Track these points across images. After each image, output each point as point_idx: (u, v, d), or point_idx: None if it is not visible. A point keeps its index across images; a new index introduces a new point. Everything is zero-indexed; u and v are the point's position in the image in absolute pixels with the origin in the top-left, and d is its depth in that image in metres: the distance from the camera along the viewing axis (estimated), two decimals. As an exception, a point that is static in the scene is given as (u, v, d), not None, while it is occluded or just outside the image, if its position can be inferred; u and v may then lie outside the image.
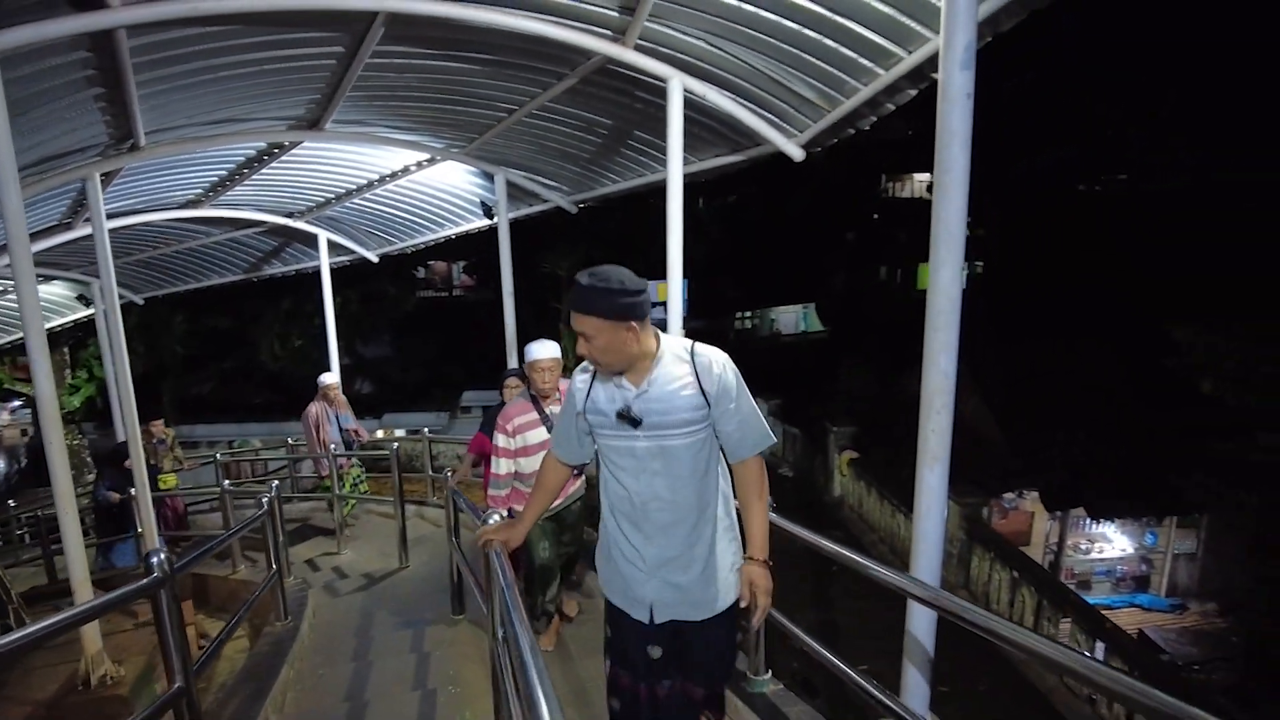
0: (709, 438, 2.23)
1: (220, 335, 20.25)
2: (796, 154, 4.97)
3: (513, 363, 7.98)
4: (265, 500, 4.71)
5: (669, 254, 4.86)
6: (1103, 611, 10.31)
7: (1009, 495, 14.67)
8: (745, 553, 2.35)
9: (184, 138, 5.77)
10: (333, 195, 8.29)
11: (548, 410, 4.13)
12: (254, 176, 7.24)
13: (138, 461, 5.70)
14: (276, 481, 5.81)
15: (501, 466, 4.10)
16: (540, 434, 4.09)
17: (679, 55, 4.51)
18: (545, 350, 4.11)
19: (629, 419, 2.19)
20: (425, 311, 28.27)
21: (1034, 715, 7.06)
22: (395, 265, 11.80)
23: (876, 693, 2.56)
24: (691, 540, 2.26)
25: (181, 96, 5.01)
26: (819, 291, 35.75)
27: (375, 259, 10.41)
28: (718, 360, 2.19)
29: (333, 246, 9.91)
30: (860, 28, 3.75)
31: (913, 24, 3.55)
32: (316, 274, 10.41)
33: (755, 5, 3.91)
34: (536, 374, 4.09)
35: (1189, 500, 9.97)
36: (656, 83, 4.68)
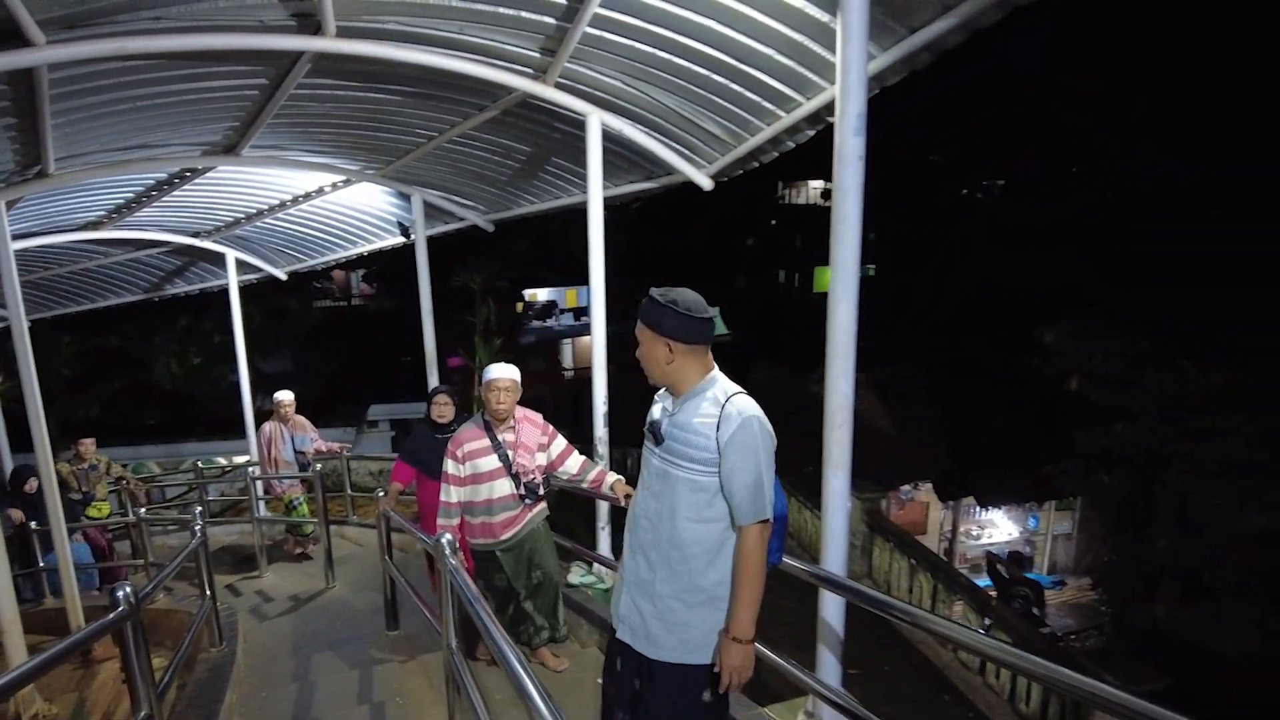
0: (715, 488, 2.18)
1: (111, 355, 19.14)
2: (706, 184, 5.36)
3: (434, 380, 8.09)
4: (197, 528, 4.72)
5: (591, 272, 5.17)
6: (994, 592, 11.23)
7: (905, 487, 15.62)
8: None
9: (95, 164, 5.68)
10: (243, 215, 8.19)
11: (500, 437, 3.93)
12: (163, 199, 7.11)
13: (50, 488, 5.53)
14: (200, 508, 5.78)
15: (451, 495, 3.91)
16: (491, 462, 3.89)
17: (597, 93, 4.82)
18: (504, 371, 3.93)
19: (654, 432, 2.29)
20: (325, 323, 27.58)
21: (932, 688, 7.74)
22: (294, 278, 11.52)
23: (798, 671, 2.93)
24: (664, 575, 2.25)
25: (97, 125, 4.97)
26: (723, 296, 36.81)
27: (284, 277, 10.28)
28: (742, 415, 2.14)
29: (240, 265, 9.72)
30: (764, 75, 4.15)
31: (810, 74, 3.98)
32: (220, 292, 10.21)
33: (668, 51, 4.26)
34: (492, 394, 3.87)
35: (1061, 486, 10.98)
36: (575, 116, 4.98)
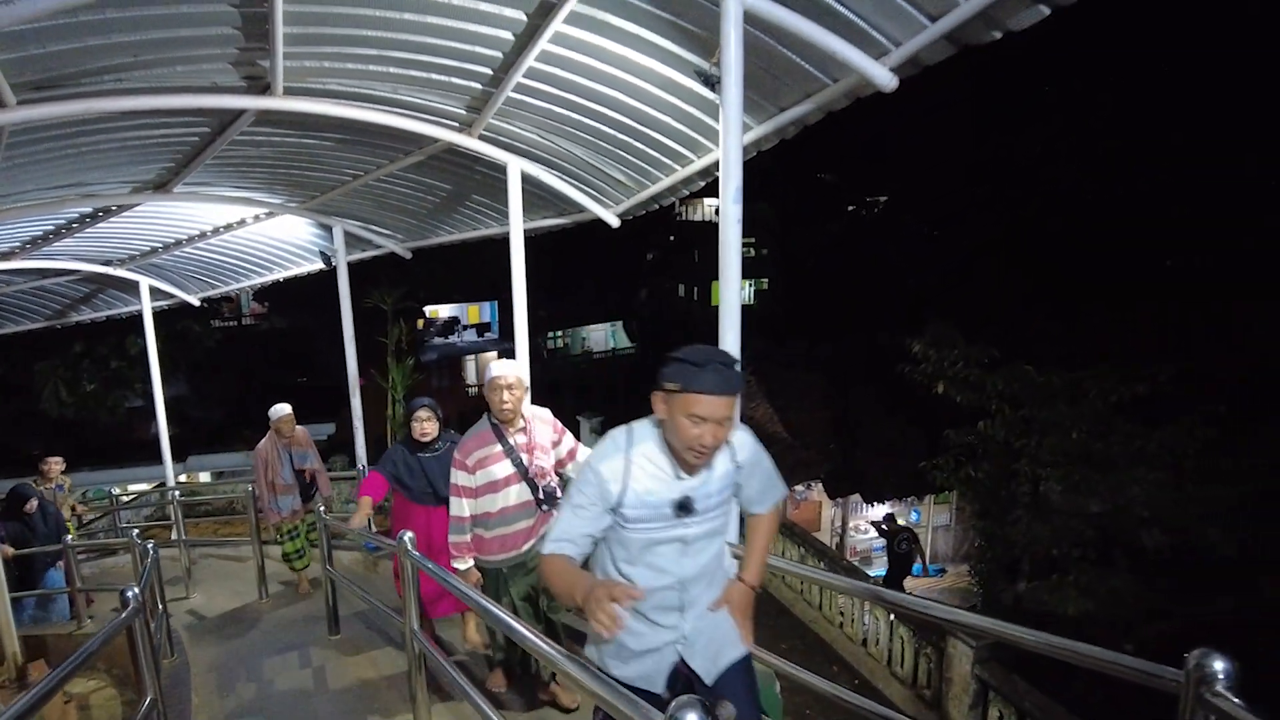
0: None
1: (-10, 383, 18.14)
2: (614, 221, 6.10)
3: (356, 402, 8.48)
4: (150, 546, 5.05)
5: (515, 299, 5.76)
6: (881, 582, 12.39)
7: (799, 487, 16.78)
8: (738, 573, 2.35)
9: (28, 203, 5.89)
10: (161, 245, 8.35)
11: (512, 440, 3.64)
12: (83, 231, 7.26)
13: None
14: (137, 530, 6.04)
15: (464, 509, 3.65)
16: (505, 467, 3.62)
17: (517, 145, 5.47)
18: (506, 366, 3.64)
19: (690, 510, 2.10)
20: (219, 344, 26.85)
21: (823, 660, 8.69)
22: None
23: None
24: (717, 587, 2.28)
25: (39, 168, 5.25)
26: (625, 310, 37.78)
27: (197, 303, 10.38)
28: (746, 432, 2.24)
29: (153, 292, 9.77)
30: (662, 137, 4.91)
31: (700, 138, 4.76)
32: (127, 319, 10.21)
33: (580, 113, 4.95)
34: (495, 394, 3.58)
35: (933, 480, 12.23)
36: (497, 163, 5.60)
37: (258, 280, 9.69)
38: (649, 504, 2.08)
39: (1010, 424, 10.89)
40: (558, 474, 3.84)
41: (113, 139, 5.06)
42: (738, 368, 2.02)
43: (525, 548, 3.72)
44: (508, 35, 4.16)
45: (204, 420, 22.56)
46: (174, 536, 8.12)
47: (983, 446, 11.34)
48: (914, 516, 19.33)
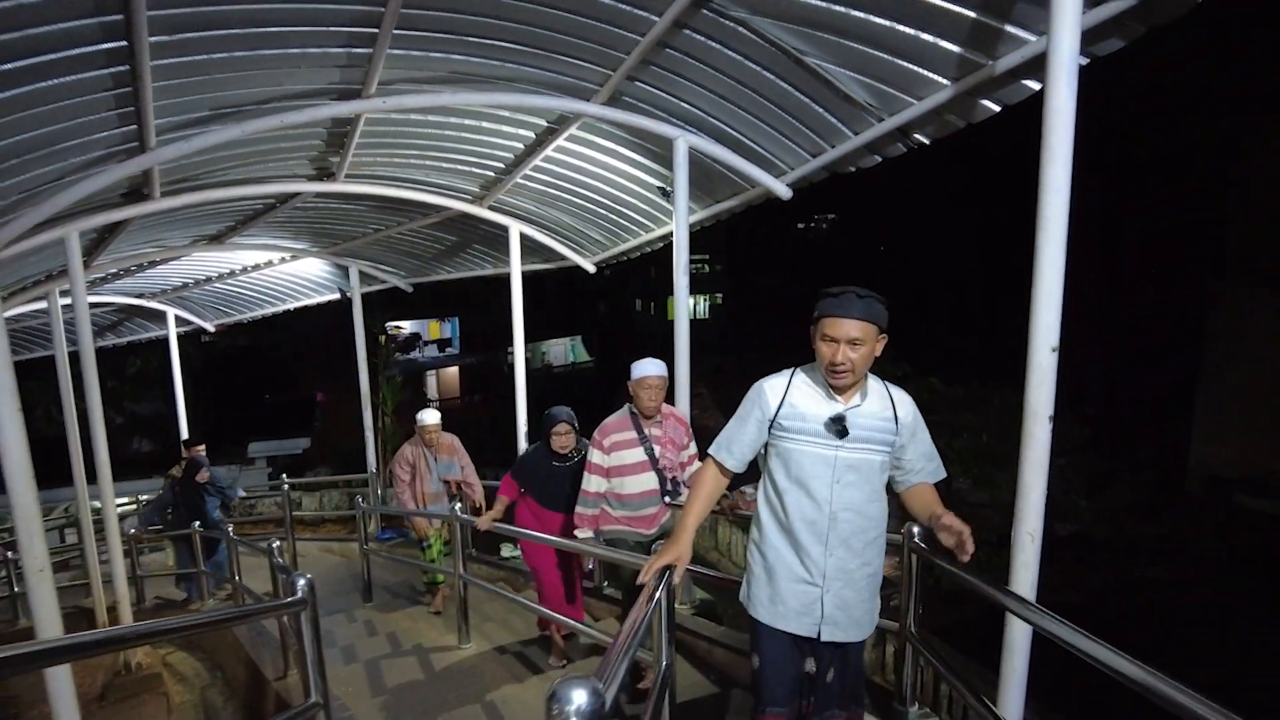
0: (890, 463, 2.36)
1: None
2: (590, 268, 7.70)
3: (368, 417, 9.85)
4: (230, 530, 6.45)
5: (514, 330, 7.26)
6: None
7: (749, 488, 18.38)
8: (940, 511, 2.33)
9: (118, 255, 7.23)
10: (192, 281, 9.65)
11: (647, 430, 3.89)
12: (139, 274, 8.58)
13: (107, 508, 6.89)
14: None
15: (593, 484, 3.86)
16: (637, 454, 3.86)
17: (517, 213, 7.02)
18: (656, 367, 3.86)
19: (839, 429, 2.25)
20: (186, 362, 27.48)
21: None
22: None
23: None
24: (867, 555, 2.34)
25: (141, 233, 6.64)
26: (585, 324, 39.13)
27: (212, 329, 11.62)
28: (908, 396, 2.40)
29: (176, 319, 10.99)
30: (630, 211, 6.51)
31: (659, 215, 6.37)
32: (148, 343, 11.42)
33: (569, 194, 6.52)
34: (644, 391, 3.82)
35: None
36: (500, 224, 7.11)
37: (271, 310, 10.99)
38: (805, 416, 2.29)
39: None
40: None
41: (200, 209, 6.47)
42: (874, 301, 2.18)
43: (651, 532, 3.94)
44: (520, 146, 5.73)
45: (178, 436, 23.32)
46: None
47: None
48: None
